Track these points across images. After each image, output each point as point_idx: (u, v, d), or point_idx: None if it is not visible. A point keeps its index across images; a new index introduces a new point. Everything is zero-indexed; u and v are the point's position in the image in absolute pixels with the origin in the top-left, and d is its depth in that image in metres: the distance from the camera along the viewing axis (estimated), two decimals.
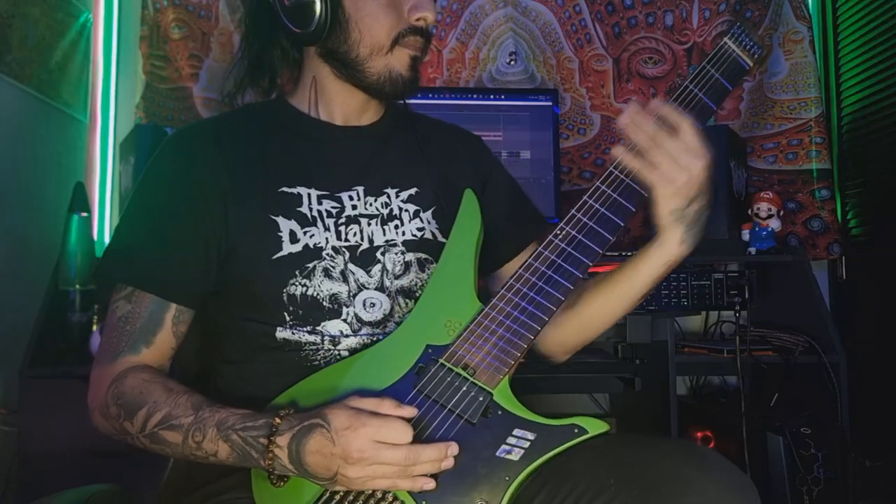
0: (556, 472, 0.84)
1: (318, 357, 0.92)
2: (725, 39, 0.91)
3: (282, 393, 0.88)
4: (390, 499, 0.80)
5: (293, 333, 0.92)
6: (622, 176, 0.88)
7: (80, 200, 1.68)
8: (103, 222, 2.11)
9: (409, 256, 0.99)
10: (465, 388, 0.84)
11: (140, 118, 2.10)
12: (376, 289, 0.96)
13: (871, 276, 2.08)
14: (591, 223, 0.88)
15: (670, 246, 0.92)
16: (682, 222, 0.89)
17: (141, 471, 1.31)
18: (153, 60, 2.14)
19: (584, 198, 0.89)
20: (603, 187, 0.89)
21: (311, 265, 0.93)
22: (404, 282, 0.97)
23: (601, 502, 0.79)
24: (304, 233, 0.94)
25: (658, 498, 0.76)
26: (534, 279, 0.88)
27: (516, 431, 0.83)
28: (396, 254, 0.98)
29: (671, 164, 0.85)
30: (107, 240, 2.09)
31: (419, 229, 1.00)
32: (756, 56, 0.91)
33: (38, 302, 1.68)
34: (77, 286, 1.65)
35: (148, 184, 0.97)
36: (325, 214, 0.96)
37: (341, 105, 1.02)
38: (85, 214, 1.68)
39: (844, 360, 1.73)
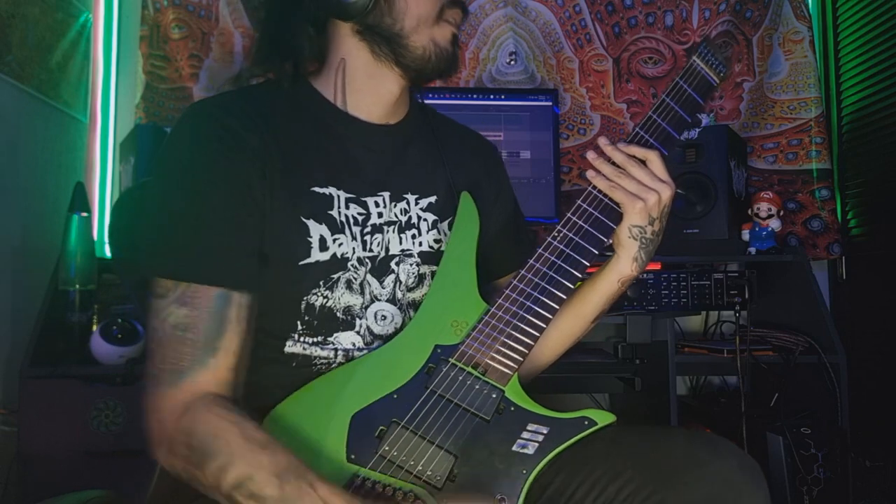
0: (570, 460, 0.86)
1: None
2: (693, 58, 0.98)
3: (289, 396, 0.86)
4: (412, 498, 0.81)
5: (304, 348, 0.89)
6: (600, 195, 0.94)
7: (80, 200, 1.68)
8: (103, 222, 2.11)
9: (424, 269, 0.97)
10: (477, 387, 0.86)
11: (140, 118, 2.10)
12: (388, 300, 0.94)
13: (871, 276, 2.08)
14: (585, 226, 0.92)
15: (625, 262, 0.96)
16: (639, 241, 0.94)
17: (142, 471, 1.31)
18: (153, 60, 2.14)
19: (579, 201, 0.94)
20: (584, 205, 0.93)
21: (335, 276, 0.90)
22: (416, 295, 0.96)
23: (617, 486, 0.82)
24: (334, 240, 0.90)
25: (675, 483, 0.79)
26: (536, 279, 0.90)
27: (530, 426, 0.85)
28: (411, 265, 0.96)
29: (638, 186, 0.91)
30: (107, 240, 2.09)
31: (436, 241, 0.98)
32: (721, 74, 0.99)
33: (38, 302, 1.68)
34: (77, 286, 1.65)
35: (176, 160, 0.87)
36: (351, 221, 0.92)
37: (372, 92, 0.96)
38: (85, 214, 1.68)
39: (844, 360, 1.73)
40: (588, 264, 0.91)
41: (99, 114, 2.15)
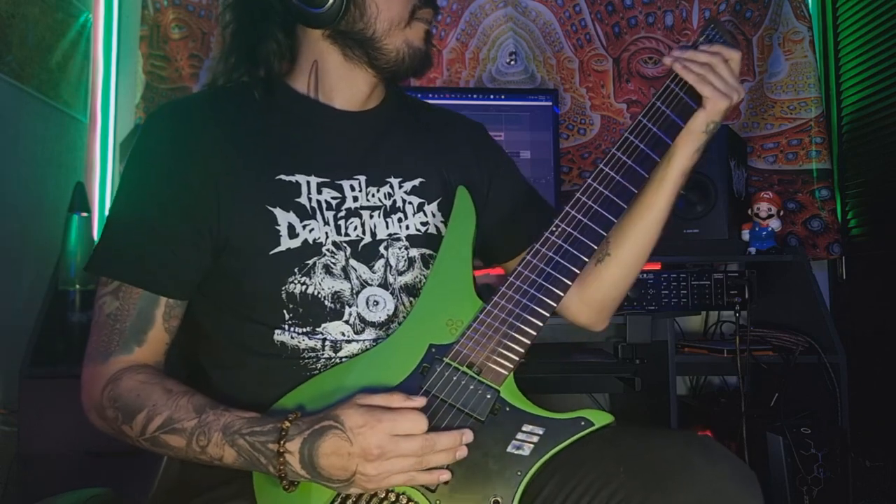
0: (565, 462, 0.85)
1: (319, 366, 0.89)
2: (699, 40, 0.96)
3: (281, 398, 0.86)
4: (404, 501, 0.80)
5: (292, 337, 0.89)
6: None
7: (80, 200, 1.68)
8: (103, 222, 2.10)
9: (413, 252, 0.96)
10: (472, 387, 0.84)
11: (140, 118, 2.10)
12: (379, 285, 0.92)
13: (871, 276, 2.08)
14: (584, 220, 0.91)
15: (689, 153, 0.96)
16: (708, 135, 0.96)
17: (142, 471, 1.31)
18: (153, 60, 2.14)
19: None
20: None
21: (310, 262, 0.89)
22: (408, 278, 0.95)
23: (610, 491, 0.80)
24: (304, 226, 0.90)
25: (665, 486, 0.78)
26: (533, 276, 0.88)
27: (525, 427, 0.84)
28: (400, 248, 0.95)
29: (726, 85, 0.92)
30: None
31: (423, 223, 0.97)
32: None
33: (38, 302, 1.68)
34: (77, 286, 1.64)
35: (135, 165, 0.93)
36: (324, 206, 0.92)
37: (346, 90, 0.98)
38: (85, 214, 1.68)
39: (844, 360, 1.73)
40: (587, 260, 0.90)
41: (99, 114, 2.15)
